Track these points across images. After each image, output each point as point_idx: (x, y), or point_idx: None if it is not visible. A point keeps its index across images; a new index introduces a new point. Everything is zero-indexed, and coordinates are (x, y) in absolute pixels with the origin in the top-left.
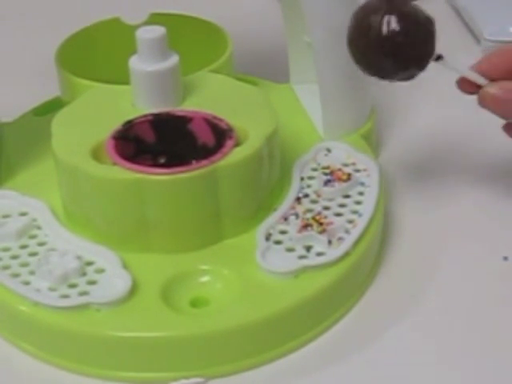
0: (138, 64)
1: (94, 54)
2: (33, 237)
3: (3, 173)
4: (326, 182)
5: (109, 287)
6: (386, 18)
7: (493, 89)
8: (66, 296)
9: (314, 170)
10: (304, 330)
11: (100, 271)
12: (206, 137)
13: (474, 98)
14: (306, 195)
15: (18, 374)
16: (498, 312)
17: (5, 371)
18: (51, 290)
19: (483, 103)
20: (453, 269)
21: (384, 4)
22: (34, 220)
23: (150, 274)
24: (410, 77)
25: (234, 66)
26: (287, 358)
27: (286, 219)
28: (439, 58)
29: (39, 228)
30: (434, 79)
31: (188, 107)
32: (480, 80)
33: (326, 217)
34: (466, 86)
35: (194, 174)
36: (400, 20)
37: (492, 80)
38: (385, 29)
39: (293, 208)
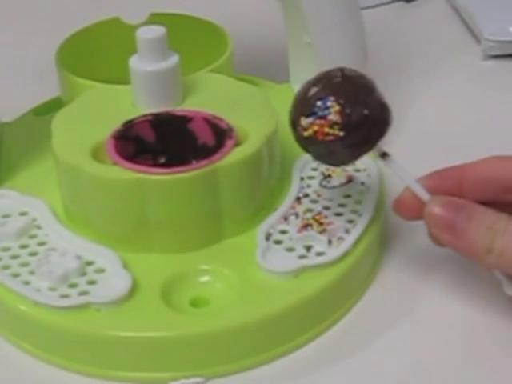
0: (137, 64)
1: (93, 54)
2: (33, 237)
3: (3, 173)
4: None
5: (109, 287)
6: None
7: (436, 207)
8: (66, 296)
9: (314, 169)
10: (304, 330)
11: (100, 271)
12: (206, 137)
13: (475, 98)
14: (306, 195)
15: (17, 374)
16: (498, 312)
17: (5, 371)
18: (51, 289)
19: (428, 226)
20: (453, 269)
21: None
22: (34, 220)
23: (150, 274)
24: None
25: (234, 66)
26: (287, 357)
27: (286, 219)
28: (384, 155)
29: (39, 228)
30: (435, 80)
31: (188, 107)
32: (424, 195)
33: (326, 217)
34: (403, 207)
35: (193, 174)
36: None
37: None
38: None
39: (293, 208)
